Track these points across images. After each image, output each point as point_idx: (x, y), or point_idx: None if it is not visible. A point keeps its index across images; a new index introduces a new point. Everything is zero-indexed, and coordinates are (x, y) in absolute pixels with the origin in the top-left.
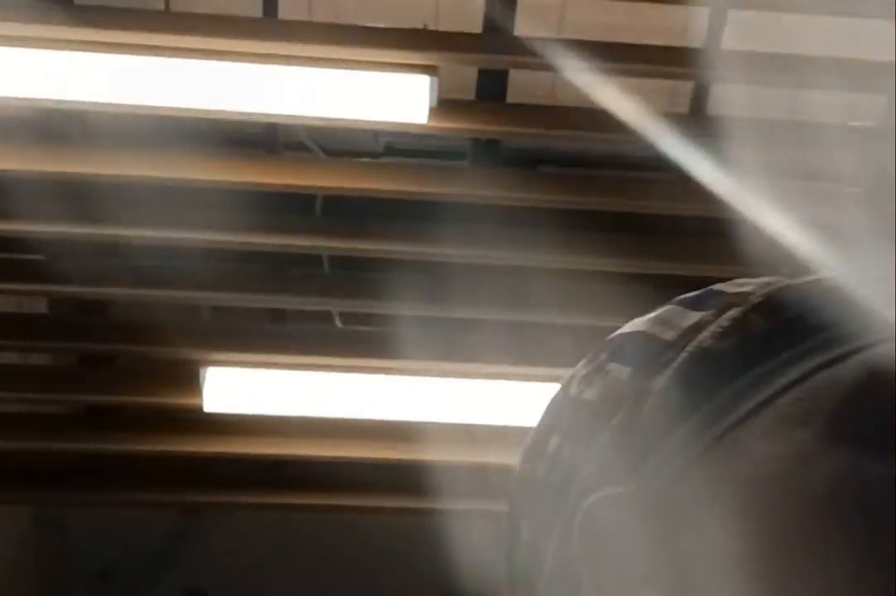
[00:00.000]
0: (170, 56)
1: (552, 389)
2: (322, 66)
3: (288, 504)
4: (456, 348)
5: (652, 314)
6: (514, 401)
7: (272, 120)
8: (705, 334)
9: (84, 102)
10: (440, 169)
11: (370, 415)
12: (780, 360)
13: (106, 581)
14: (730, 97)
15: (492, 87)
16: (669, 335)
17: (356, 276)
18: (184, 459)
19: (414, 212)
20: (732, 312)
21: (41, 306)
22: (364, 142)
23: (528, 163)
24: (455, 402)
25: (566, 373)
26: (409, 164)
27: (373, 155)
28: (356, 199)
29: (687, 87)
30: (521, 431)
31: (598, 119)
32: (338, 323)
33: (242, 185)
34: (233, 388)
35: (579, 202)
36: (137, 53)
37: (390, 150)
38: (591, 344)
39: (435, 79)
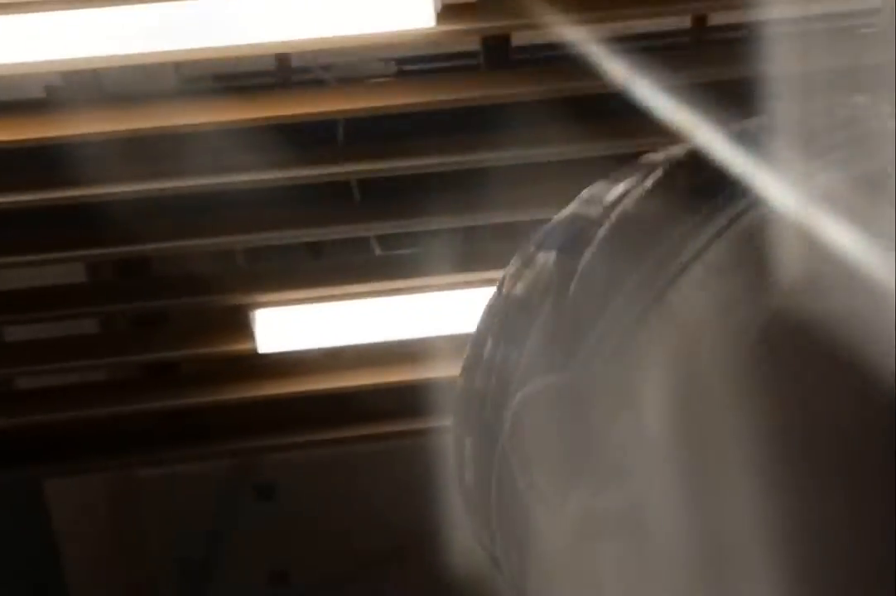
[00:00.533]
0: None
1: None
2: None
3: (359, 436)
4: (496, 256)
5: (580, 195)
6: None
7: (280, 49)
8: (628, 201)
9: (99, 58)
10: (454, 78)
11: (425, 334)
12: (704, 213)
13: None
14: None
15: None
16: (594, 211)
17: (387, 198)
18: (249, 404)
19: (435, 124)
20: (655, 175)
21: (80, 274)
22: (376, 68)
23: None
24: None
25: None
26: (423, 78)
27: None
28: (376, 120)
29: None
30: None
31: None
32: (377, 250)
33: (260, 120)
34: (284, 327)
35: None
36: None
37: (402, 73)
38: None
39: None
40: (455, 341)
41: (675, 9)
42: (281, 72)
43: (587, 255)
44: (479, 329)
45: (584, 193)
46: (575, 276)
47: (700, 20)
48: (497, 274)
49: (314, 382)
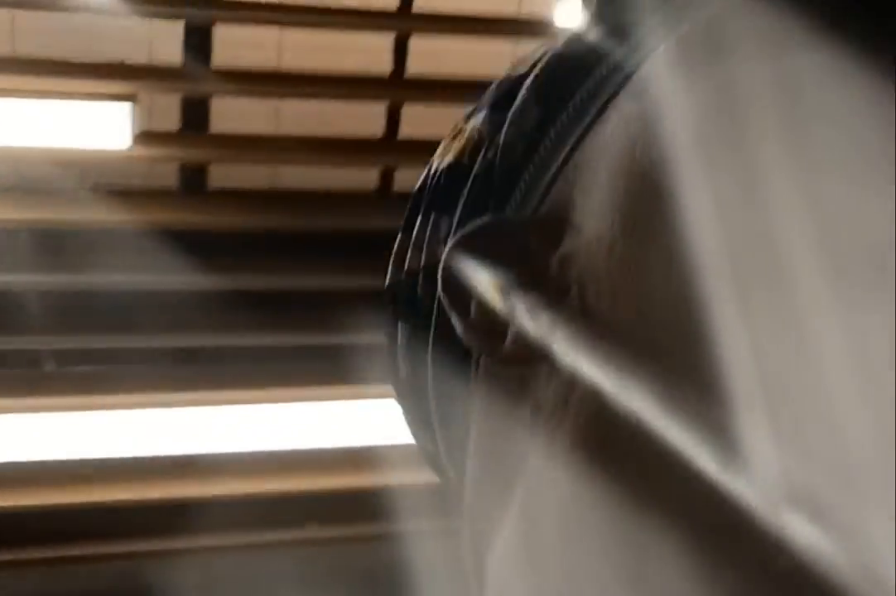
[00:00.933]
0: None
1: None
2: (26, 97)
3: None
4: (181, 380)
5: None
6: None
7: None
8: (557, 46)
9: None
10: (147, 197)
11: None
12: (616, 57)
13: None
14: None
15: (195, 118)
16: (521, 69)
17: (66, 313)
18: None
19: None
20: (570, 33)
21: None
22: (71, 181)
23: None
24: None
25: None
26: (112, 195)
27: (80, 192)
28: (62, 232)
29: None
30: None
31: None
32: (52, 362)
33: None
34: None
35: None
36: None
37: (97, 188)
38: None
39: (135, 106)
40: (129, 463)
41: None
42: None
43: (516, 104)
44: (405, 219)
45: (512, 64)
46: (504, 125)
47: None
48: (181, 396)
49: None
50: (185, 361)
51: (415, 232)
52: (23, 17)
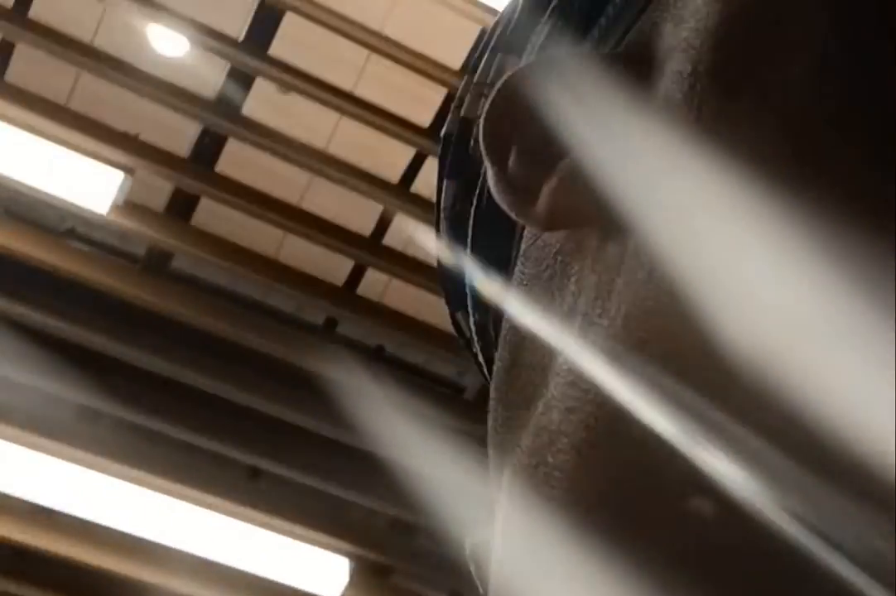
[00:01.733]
0: None
1: None
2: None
3: None
4: None
5: None
6: None
7: None
8: None
9: None
10: (113, 264)
11: None
12: None
13: None
14: None
15: (181, 207)
16: None
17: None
18: None
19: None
20: None
21: None
22: (49, 219)
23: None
24: None
25: None
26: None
27: (53, 232)
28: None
29: None
30: None
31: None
32: None
33: None
34: None
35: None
36: None
37: (71, 234)
38: None
39: (129, 178)
40: None
41: None
42: None
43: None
44: (474, 59)
45: None
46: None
47: None
48: None
49: None
50: None
51: (478, 72)
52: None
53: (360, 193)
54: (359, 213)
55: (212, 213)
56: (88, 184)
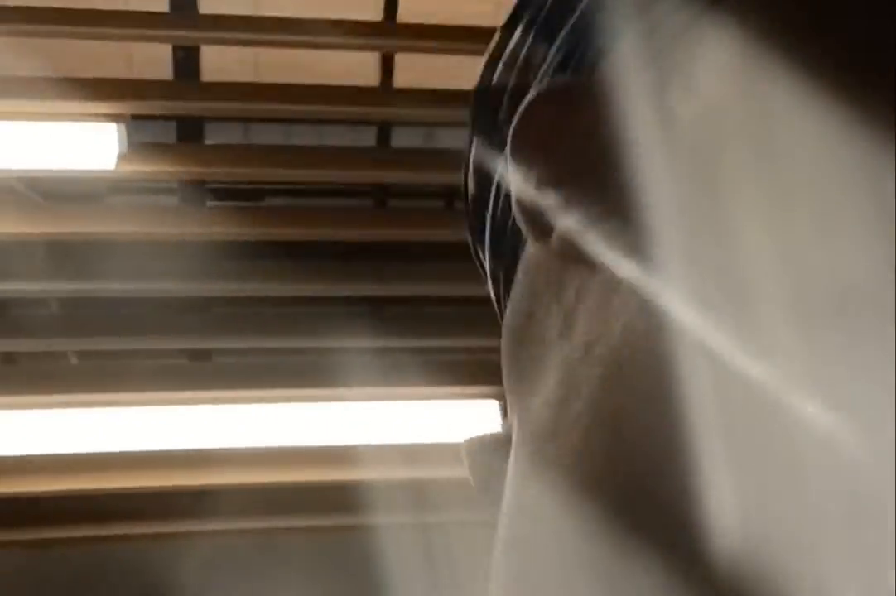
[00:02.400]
0: None
1: None
2: (8, 119)
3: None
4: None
5: None
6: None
7: None
8: None
9: None
10: (156, 209)
11: (118, 447)
12: None
13: None
14: None
15: (188, 129)
16: None
17: (85, 314)
18: None
19: (136, 253)
20: None
21: None
22: (87, 184)
23: (255, 195)
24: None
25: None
26: (127, 206)
27: (96, 198)
28: (79, 243)
29: None
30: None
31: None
32: (73, 360)
33: None
34: None
35: (287, 234)
36: None
37: (115, 191)
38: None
39: (121, 126)
40: (143, 455)
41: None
42: None
43: None
44: (510, 16)
45: None
46: None
47: None
48: (181, 395)
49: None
50: (196, 360)
51: (512, 43)
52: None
53: None
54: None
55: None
56: (85, 148)
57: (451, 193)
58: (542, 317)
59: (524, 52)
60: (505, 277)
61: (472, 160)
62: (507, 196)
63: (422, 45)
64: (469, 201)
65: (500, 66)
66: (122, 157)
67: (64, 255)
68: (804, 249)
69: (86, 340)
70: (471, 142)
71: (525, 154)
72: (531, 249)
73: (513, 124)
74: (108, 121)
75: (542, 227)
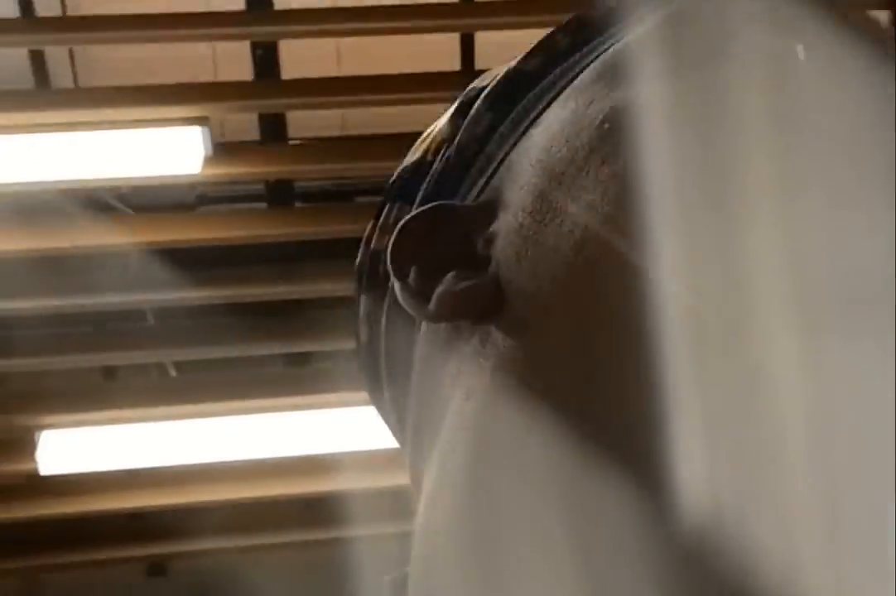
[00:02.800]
0: None
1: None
2: (93, 129)
3: (154, 554)
4: (293, 384)
5: None
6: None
7: (56, 186)
8: (514, 62)
9: None
10: (242, 213)
11: (219, 458)
12: (579, 55)
13: None
14: None
15: (272, 129)
16: (487, 80)
17: (181, 324)
18: (35, 523)
19: (225, 258)
20: (543, 38)
21: None
22: (177, 195)
23: (346, 195)
24: (299, 435)
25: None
26: (216, 213)
27: (186, 207)
28: (169, 252)
29: None
30: None
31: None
32: (172, 372)
33: (49, 251)
34: (70, 449)
35: None
36: None
37: (204, 200)
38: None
39: (206, 129)
40: (246, 464)
41: None
42: (63, 197)
43: (471, 112)
44: (377, 208)
45: (481, 77)
46: (461, 130)
47: None
48: (280, 401)
49: (103, 502)
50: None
51: (381, 218)
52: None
53: None
54: None
55: (303, 123)
56: (170, 153)
57: None
58: (436, 386)
59: (392, 218)
60: (403, 405)
61: (361, 314)
62: (391, 332)
63: (500, 22)
64: (361, 348)
65: (377, 232)
66: (207, 160)
67: (153, 265)
68: (812, 230)
69: (184, 351)
70: (358, 301)
71: (404, 255)
72: (423, 330)
73: (391, 239)
74: (191, 124)
75: (425, 310)
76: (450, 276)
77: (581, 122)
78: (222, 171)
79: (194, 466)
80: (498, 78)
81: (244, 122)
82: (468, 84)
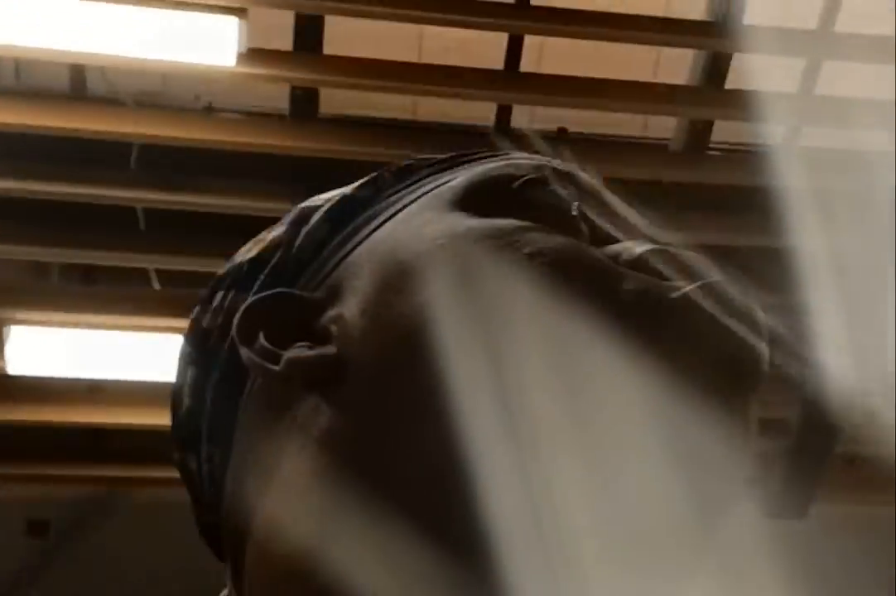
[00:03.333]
0: None
1: None
2: (128, 4)
3: (110, 477)
4: None
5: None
6: None
7: (79, 59)
8: (348, 189)
9: None
10: (260, 123)
11: None
12: (404, 191)
13: None
14: None
15: (308, 37)
16: (318, 202)
17: (174, 232)
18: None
19: (234, 167)
20: (374, 174)
21: None
22: (184, 101)
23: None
24: None
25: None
26: (226, 118)
27: (195, 111)
28: (174, 151)
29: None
30: None
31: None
32: (155, 284)
33: (48, 129)
34: (40, 349)
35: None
36: None
37: (210, 111)
38: None
39: (244, 22)
40: None
41: None
42: (75, 78)
43: (311, 221)
44: (210, 287)
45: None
46: (300, 235)
47: None
48: None
49: (66, 414)
50: None
51: (214, 303)
52: None
53: None
54: None
55: (342, 34)
56: (205, 39)
57: None
58: (268, 437)
59: (227, 302)
60: (221, 461)
61: (185, 384)
62: (217, 398)
63: None
64: (182, 415)
65: (208, 314)
66: (241, 57)
67: (156, 162)
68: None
69: (170, 260)
70: (183, 374)
71: (252, 325)
72: (253, 394)
73: (240, 313)
74: (228, 14)
75: (271, 371)
76: (299, 344)
77: (409, 242)
78: (255, 71)
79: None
80: (335, 200)
81: (282, 27)
82: None
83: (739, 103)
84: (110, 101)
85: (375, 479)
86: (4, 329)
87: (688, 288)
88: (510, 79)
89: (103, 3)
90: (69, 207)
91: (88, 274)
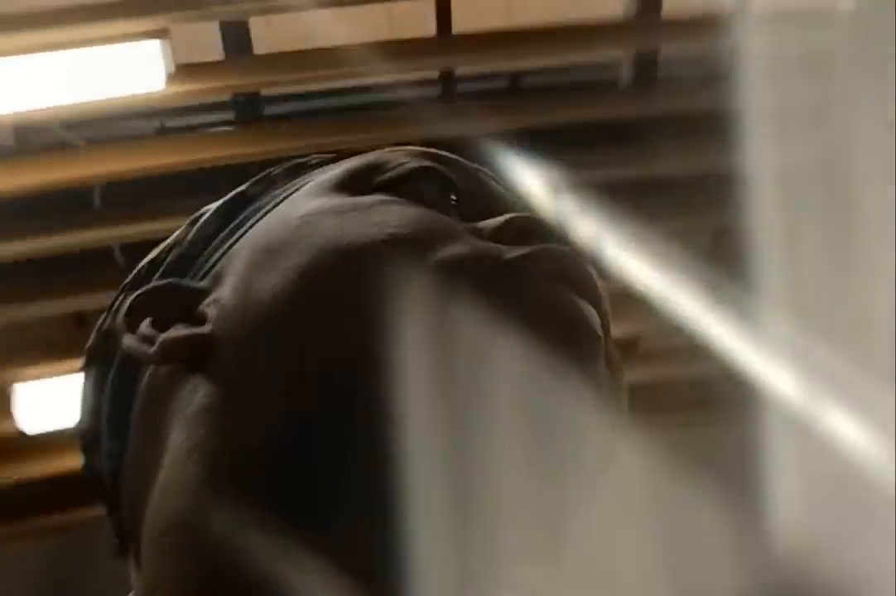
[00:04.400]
0: None
1: None
2: (47, 51)
3: None
4: None
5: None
6: None
7: (17, 119)
8: (240, 188)
9: None
10: (210, 136)
11: None
12: (287, 187)
13: None
14: None
15: (235, 42)
16: (214, 205)
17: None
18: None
19: (193, 185)
20: (264, 173)
21: None
22: (132, 130)
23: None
24: None
25: None
26: (179, 138)
27: (146, 139)
28: (134, 181)
29: None
30: None
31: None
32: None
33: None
34: (50, 402)
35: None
36: None
37: (165, 130)
38: None
39: (166, 42)
40: None
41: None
42: (18, 133)
43: (203, 219)
44: (110, 302)
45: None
46: (191, 233)
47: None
48: None
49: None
50: None
51: (115, 306)
52: None
53: None
54: None
55: (270, 33)
56: (132, 68)
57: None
58: (159, 426)
59: (125, 303)
60: (120, 455)
61: (87, 386)
62: (116, 395)
63: None
64: (85, 417)
65: (109, 318)
66: (170, 77)
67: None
68: None
69: None
70: (86, 376)
71: (137, 313)
72: (144, 384)
73: (128, 303)
74: (149, 38)
75: (147, 353)
76: (175, 326)
77: (280, 223)
78: (187, 88)
79: None
80: (228, 197)
81: (208, 36)
82: None
83: None
84: (60, 147)
85: (243, 447)
86: (10, 389)
87: (521, 251)
88: (444, 45)
89: (21, 56)
90: (44, 261)
91: (81, 319)
